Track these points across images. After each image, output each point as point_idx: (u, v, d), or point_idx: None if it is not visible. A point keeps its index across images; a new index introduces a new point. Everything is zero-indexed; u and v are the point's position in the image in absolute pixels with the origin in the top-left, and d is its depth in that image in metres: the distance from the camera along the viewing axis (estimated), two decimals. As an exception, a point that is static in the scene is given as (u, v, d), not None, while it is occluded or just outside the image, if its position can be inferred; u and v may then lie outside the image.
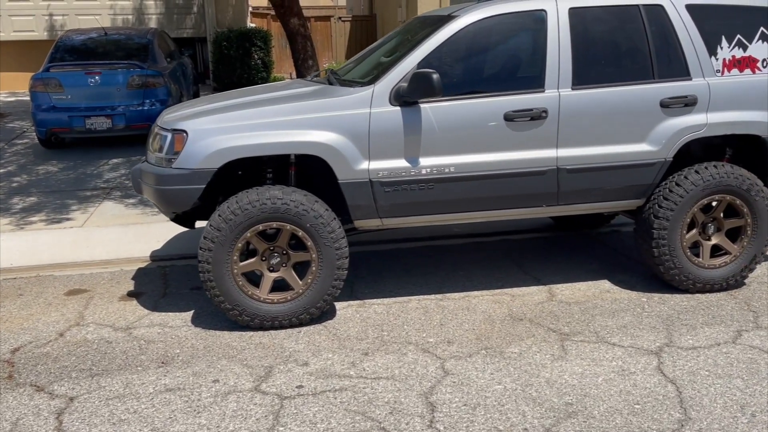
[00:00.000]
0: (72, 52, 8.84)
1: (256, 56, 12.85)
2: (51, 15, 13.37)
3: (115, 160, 8.19)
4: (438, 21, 4.08)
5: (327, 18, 16.77)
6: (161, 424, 2.93)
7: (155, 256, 5.17)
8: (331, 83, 4.26)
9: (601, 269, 4.72)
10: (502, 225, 5.59)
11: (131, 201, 6.61)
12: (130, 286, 4.61)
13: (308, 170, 3.98)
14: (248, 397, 3.15)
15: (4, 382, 3.32)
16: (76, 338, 3.80)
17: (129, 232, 5.74)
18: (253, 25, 14.39)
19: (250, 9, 15.16)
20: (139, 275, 4.82)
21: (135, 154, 8.37)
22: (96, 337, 3.81)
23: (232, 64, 12.77)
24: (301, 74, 8.86)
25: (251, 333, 3.81)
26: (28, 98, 8.47)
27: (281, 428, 2.89)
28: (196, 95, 11.16)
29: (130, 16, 13.60)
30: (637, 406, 3.01)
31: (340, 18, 17.07)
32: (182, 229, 5.66)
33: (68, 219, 6.10)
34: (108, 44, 9.11)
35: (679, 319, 3.89)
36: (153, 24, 13.46)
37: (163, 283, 4.65)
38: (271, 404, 3.08)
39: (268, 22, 15.70)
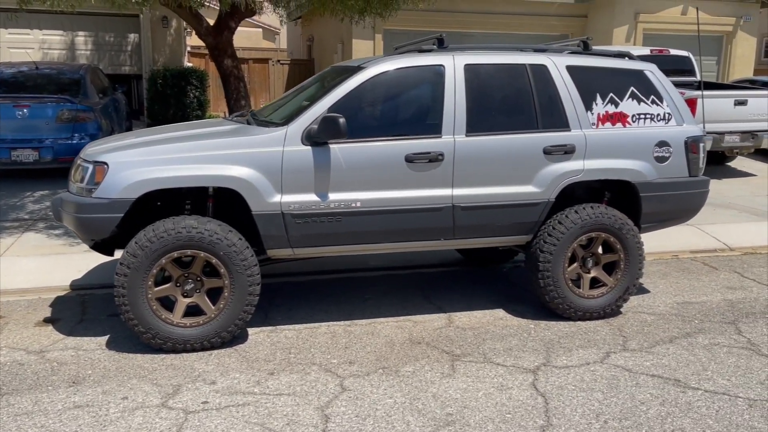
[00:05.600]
0: (1, 84, 8.87)
1: (191, 95, 13.11)
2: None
3: (40, 192, 8.20)
4: (349, 70, 4.52)
5: (265, 60, 17.26)
6: (67, 436, 3.10)
7: (75, 285, 5.29)
8: (249, 123, 4.61)
9: (499, 300, 5.16)
10: (416, 259, 6.01)
11: (55, 232, 6.67)
12: (47, 312, 4.72)
13: (227, 203, 4.28)
14: (155, 412, 3.35)
15: None
16: (-13, 361, 3.90)
17: (50, 262, 5.83)
18: (190, 64, 14.67)
19: (189, 49, 15.47)
20: (57, 303, 4.93)
21: (61, 187, 8.37)
22: (8, 360, 3.92)
23: (166, 101, 12.97)
24: (233, 113, 9.18)
25: (164, 355, 4.00)
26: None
27: (183, 438, 3.11)
28: (129, 130, 11.27)
29: (63, 51, 13.62)
30: (508, 416, 3.38)
31: (279, 61, 17.60)
32: (104, 259, 5.81)
33: (-13, 248, 6.12)
34: (39, 78, 9.20)
35: (558, 343, 4.34)
36: (87, 60, 13.52)
37: (80, 310, 4.78)
38: (176, 418, 3.29)
39: (206, 62, 15.98)
